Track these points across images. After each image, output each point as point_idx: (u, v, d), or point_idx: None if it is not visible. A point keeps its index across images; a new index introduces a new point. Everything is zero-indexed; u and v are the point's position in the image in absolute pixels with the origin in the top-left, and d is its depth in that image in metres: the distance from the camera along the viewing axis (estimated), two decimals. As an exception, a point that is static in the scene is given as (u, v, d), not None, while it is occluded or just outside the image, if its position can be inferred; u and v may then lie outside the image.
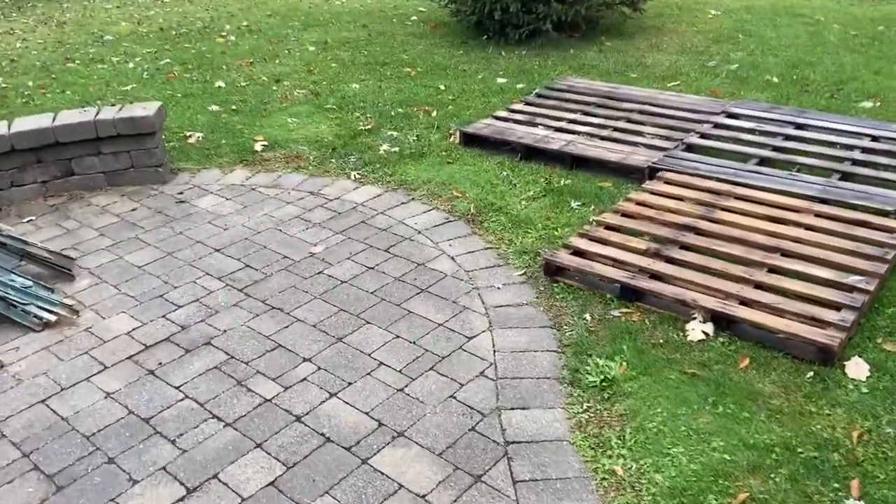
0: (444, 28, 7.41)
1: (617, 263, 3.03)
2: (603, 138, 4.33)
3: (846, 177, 3.67)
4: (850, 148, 3.97)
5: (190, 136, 4.85)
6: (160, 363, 2.70)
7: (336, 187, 4.09)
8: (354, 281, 3.18)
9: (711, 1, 8.07)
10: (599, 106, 4.83)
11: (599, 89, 5.10)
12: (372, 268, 3.28)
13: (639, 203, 3.50)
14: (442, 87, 5.63)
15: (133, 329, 2.90)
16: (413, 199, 3.92)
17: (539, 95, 5.12)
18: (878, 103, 4.83)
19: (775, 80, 5.44)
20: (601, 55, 6.29)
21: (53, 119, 4.03)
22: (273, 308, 3.02)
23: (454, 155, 4.42)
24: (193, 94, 5.73)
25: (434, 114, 5.11)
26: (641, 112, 4.65)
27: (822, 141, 4.10)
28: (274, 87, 5.81)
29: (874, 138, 4.05)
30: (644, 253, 3.08)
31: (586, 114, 4.71)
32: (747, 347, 2.58)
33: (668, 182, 3.70)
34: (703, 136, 4.25)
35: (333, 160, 4.44)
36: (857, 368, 2.42)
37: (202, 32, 7.69)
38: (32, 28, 8.34)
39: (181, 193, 4.08)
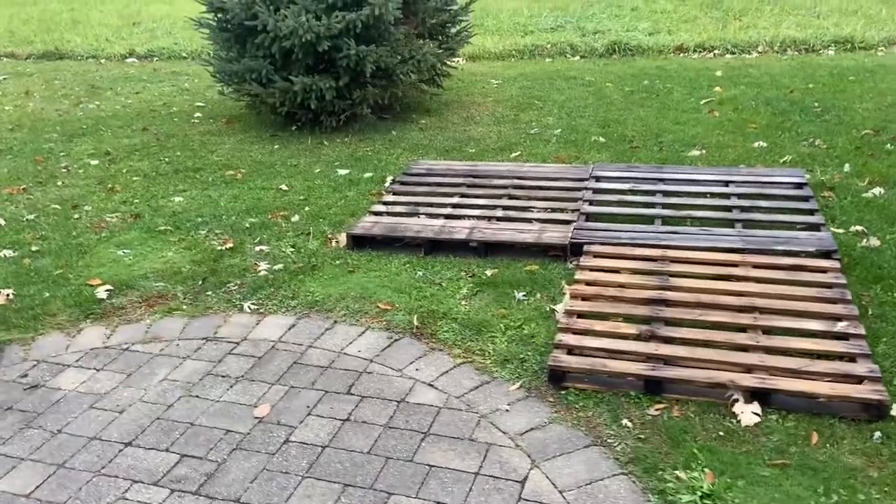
0: (240, 122, 6.82)
1: (617, 354, 2.82)
2: (500, 219, 4.16)
3: (747, 224, 3.89)
4: (726, 196, 4.25)
5: (-7, 294, 3.74)
6: None
7: (234, 326, 3.38)
8: (337, 442, 2.57)
9: (487, 72, 8.47)
10: (471, 186, 4.67)
11: (460, 169, 4.95)
12: (347, 419, 2.69)
13: (589, 283, 3.36)
14: (284, 188, 5.09)
15: None
16: (336, 322, 3.37)
17: (402, 183, 4.83)
18: (704, 150, 5.31)
19: (602, 139, 5.75)
20: (424, 133, 6.20)
21: None
22: (256, 508, 2.30)
23: (350, 261, 3.94)
24: (-36, 238, 4.50)
25: (295, 218, 4.55)
26: (517, 187, 4.58)
27: (695, 193, 4.34)
28: (75, 216, 4.79)
29: (737, 184, 4.39)
30: (638, 337, 2.92)
31: (464, 196, 4.52)
32: (803, 420, 2.51)
33: (599, 256, 3.62)
34: (591, 203, 4.28)
35: (210, 293, 3.70)
36: (906, 416, 2.45)
37: (-68, 158, 6.18)
38: None
39: (25, 376, 3.07)
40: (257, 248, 4.15)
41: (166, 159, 5.85)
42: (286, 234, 4.34)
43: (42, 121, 7.27)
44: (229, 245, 4.20)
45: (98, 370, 3.07)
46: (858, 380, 2.55)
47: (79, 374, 3.05)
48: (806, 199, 4.11)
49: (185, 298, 3.65)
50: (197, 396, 2.87)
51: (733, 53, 8.76)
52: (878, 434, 2.40)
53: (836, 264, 3.34)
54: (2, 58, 10.85)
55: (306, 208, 4.71)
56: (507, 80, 8.03)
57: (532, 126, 6.20)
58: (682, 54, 8.89)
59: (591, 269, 3.48)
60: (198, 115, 7.19)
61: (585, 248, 3.69)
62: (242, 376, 2.98)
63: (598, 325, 3.01)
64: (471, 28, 7.20)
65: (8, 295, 3.72)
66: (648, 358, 2.77)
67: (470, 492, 2.32)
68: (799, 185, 4.30)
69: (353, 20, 5.72)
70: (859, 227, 3.88)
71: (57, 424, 2.74)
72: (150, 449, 2.59)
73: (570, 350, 2.87)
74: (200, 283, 3.79)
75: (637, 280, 3.34)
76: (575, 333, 2.97)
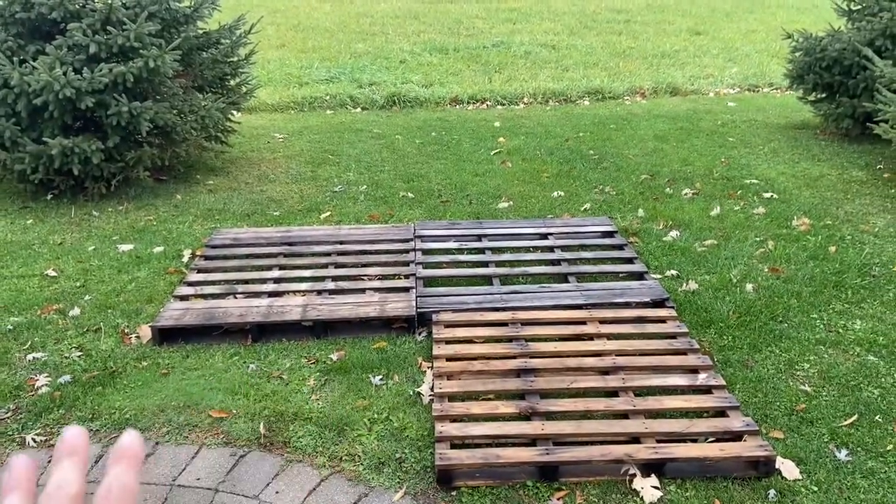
0: (-24, 193, 5.65)
1: (503, 439, 2.60)
2: (332, 292, 3.78)
3: (580, 277, 3.91)
4: (550, 249, 4.28)
5: None
6: None
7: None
8: None
9: (267, 125, 8.04)
10: (289, 255, 4.23)
11: (271, 236, 4.48)
12: (205, 580, 2.13)
13: (450, 359, 3.12)
14: (52, 273, 4.22)
15: None
16: (157, 443, 2.75)
17: (207, 258, 4.24)
18: (511, 202, 5.39)
19: (410, 195, 5.61)
20: (216, 196, 5.60)
21: None
22: None
23: (161, 361, 3.30)
24: None
25: (74, 312, 3.76)
26: (341, 253, 4.23)
27: (520, 248, 4.32)
28: None
29: (556, 236, 4.45)
30: (520, 416, 2.72)
31: (284, 267, 4.07)
32: (700, 488, 2.47)
33: (450, 325, 3.40)
34: (425, 265, 4.07)
35: (-29, 426, 2.85)
36: (788, 469, 2.51)
37: None
38: None
39: None
40: (30, 357, 3.33)
41: None
42: (66, 333, 3.55)
43: None
44: (-10, 356, 3.32)
45: None
46: (738, 435, 2.58)
47: None
48: (621, 247, 4.27)
49: (-65, 439, 2.76)
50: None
51: (503, 105, 9.21)
52: (772, 492, 2.43)
53: (673, 312, 3.46)
54: None
55: (86, 297, 3.92)
56: (293, 133, 7.64)
57: (334, 183, 5.89)
58: (457, 106, 9.17)
59: (447, 342, 3.24)
60: (-88, 185, 5.83)
61: (434, 317, 3.44)
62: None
63: (476, 408, 2.76)
64: (252, 80, 6.73)
65: None
66: (537, 439, 2.58)
67: None
68: (610, 234, 4.47)
69: (122, 73, 5.01)
70: (673, 272, 4.10)
71: None
72: None
73: (454, 442, 2.59)
74: (-44, 413, 2.91)
75: (497, 350, 3.17)
76: (453, 421, 2.69)
